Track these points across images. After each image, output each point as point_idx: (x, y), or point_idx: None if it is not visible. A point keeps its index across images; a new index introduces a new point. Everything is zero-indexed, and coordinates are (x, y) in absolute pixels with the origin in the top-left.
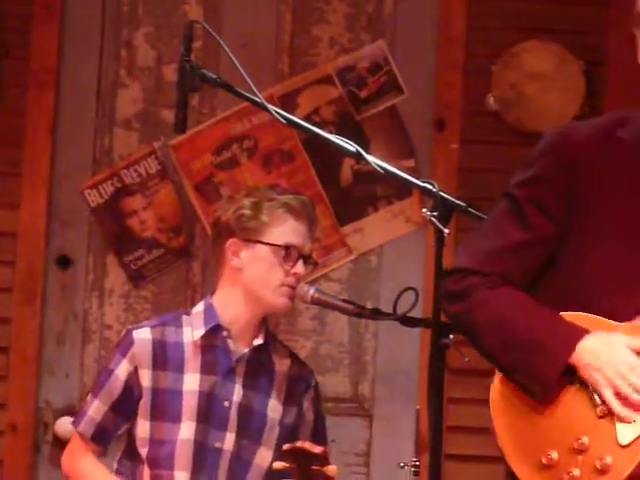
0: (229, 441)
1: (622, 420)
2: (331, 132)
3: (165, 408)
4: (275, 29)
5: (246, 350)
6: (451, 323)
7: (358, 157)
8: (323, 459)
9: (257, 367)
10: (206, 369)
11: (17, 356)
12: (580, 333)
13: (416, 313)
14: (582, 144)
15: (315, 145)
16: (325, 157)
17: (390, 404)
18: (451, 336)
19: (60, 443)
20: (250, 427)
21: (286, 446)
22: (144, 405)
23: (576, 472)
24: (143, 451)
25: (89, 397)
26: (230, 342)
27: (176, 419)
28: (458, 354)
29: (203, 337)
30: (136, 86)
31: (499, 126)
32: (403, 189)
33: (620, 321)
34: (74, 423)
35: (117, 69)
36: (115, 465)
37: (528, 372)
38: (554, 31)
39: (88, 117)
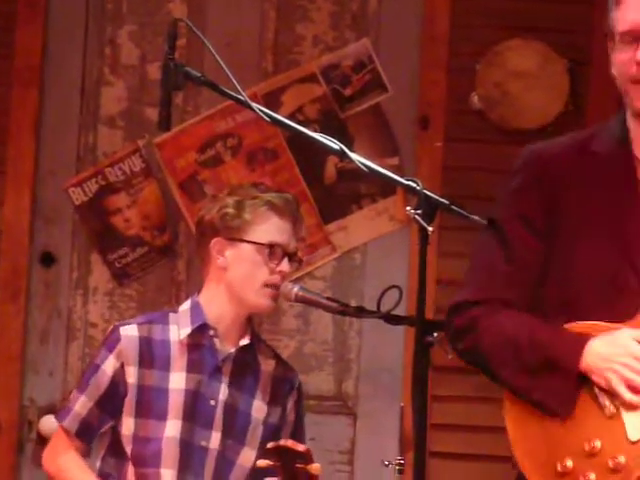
0: (214, 440)
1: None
2: (315, 130)
3: (151, 406)
4: (259, 27)
5: (232, 349)
6: (465, 361)
7: (342, 155)
8: (307, 457)
9: (243, 367)
10: (192, 368)
11: (1, 354)
12: (584, 340)
13: (400, 311)
14: (556, 160)
15: (299, 143)
16: (309, 155)
17: (374, 402)
18: (435, 334)
19: (44, 441)
20: (235, 426)
21: (270, 444)
22: (129, 402)
23: (592, 476)
24: (128, 449)
25: (74, 392)
26: (216, 341)
27: (162, 417)
28: (442, 352)
29: (189, 336)
30: (120, 84)
31: (483, 124)
32: (387, 187)
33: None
34: (58, 418)
35: (101, 67)
36: (99, 463)
37: (544, 390)
38: (538, 30)
39: (72, 115)
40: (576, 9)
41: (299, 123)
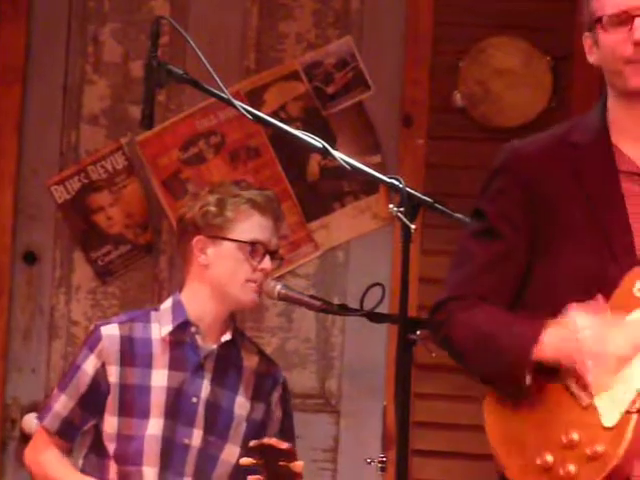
0: (197, 437)
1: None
2: (298, 128)
3: (133, 404)
4: (242, 25)
5: (214, 346)
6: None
7: (325, 153)
8: (290, 455)
9: (225, 363)
10: (174, 365)
11: None
12: (541, 327)
13: (383, 309)
14: (536, 156)
15: (282, 141)
16: (292, 153)
17: (357, 400)
18: (418, 332)
19: (27, 439)
20: (218, 423)
21: (253, 442)
22: (112, 401)
23: (571, 467)
24: (110, 447)
25: (55, 392)
26: (198, 338)
27: (144, 415)
28: (425, 350)
29: (171, 333)
30: (103, 82)
31: (466, 122)
32: (370, 185)
33: None
34: (39, 417)
35: (84, 65)
36: (81, 461)
37: (501, 378)
38: (521, 27)
39: (55, 113)
40: (558, 6)
41: (282, 121)
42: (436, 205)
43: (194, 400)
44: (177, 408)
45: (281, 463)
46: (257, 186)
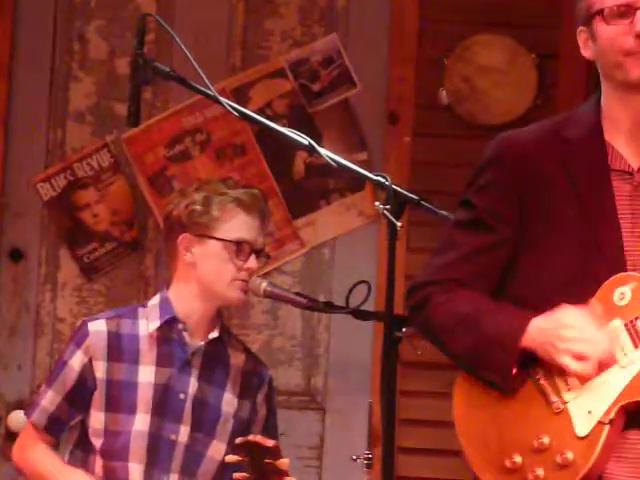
0: (183, 433)
1: (584, 376)
2: (284, 125)
3: (120, 400)
4: (228, 22)
5: (202, 343)
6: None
7: (311, 150)
8: (276, 453)
9: (212, 360)
10: (162, 361)
11: None
12: (527, 317)
13: (369, 306)
14: (529, 149)
15: (268, 138)
16: (278, 150)
17: (343, 397)
18: (404, 329)
19: (13, 437)
20: (204, 420)
21: (239, 440)
22: (99, 396)
23: (540, 472)
24: (96, 442)
25: (43, 387)
26: (186, 335)
27: (131, 411)
28: (411, 347)
29: (159, 329)
30: (89, 79)
31: (451, 119)
32: (356, 182)
33: None
34: (27, 413)
35: (70, 62)
36: (67, 456)
37: (487, 364)
38: (506, 25)
39: (41, 110)
40: (544, 4)
41: (268, 118)
42: (422, 202)
43: (181, 396)
44: (164, 404)
45: (267, 460)
46: (243, 184)
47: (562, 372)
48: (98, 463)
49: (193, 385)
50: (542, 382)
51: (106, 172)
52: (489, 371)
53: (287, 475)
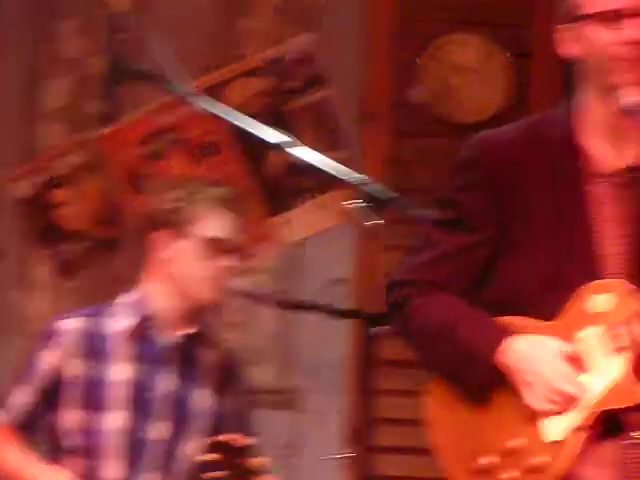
0: (159, 430)
1: (544, 416)
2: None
3: (94, 398)
4: (202, 21)
5: (175, 340)
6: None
7: (285, 149)
8: (249, 451)
9: (187, 357)
10: (136, 358)
11: None
12: (504, 334)
13: (343, 305)
14: (505, 151)
15: (242, 137)
16: (252, 149)
17: (317, 396)
18: (379, 327)
19: None
20: (179, 417)
21: (212, 438)
22: (72, 394)
23: (514, 474)
24: (70, 441)
25: (15, 386)
26: (159, 332)
27: (104, 408)
28: (386, 345)
29: (132, 327)
30: (64, 78)
31: (426, 118)
32: (331, 181)
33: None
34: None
35: (44, 61)
36: (40, 455)
37: (462, 375)
38: (481, 23)
39: (15, 109)
40: (518, 3)
41: (243, 117)
42: (397, 200)
43: (155, 393)
44: (138, 401)
45: (241, 459)
46: (218, 182)
47: None
48: (72, 462)
49: (167, 382)
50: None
51: (81, 171)
52: (465, 382)
53: (261, 473)
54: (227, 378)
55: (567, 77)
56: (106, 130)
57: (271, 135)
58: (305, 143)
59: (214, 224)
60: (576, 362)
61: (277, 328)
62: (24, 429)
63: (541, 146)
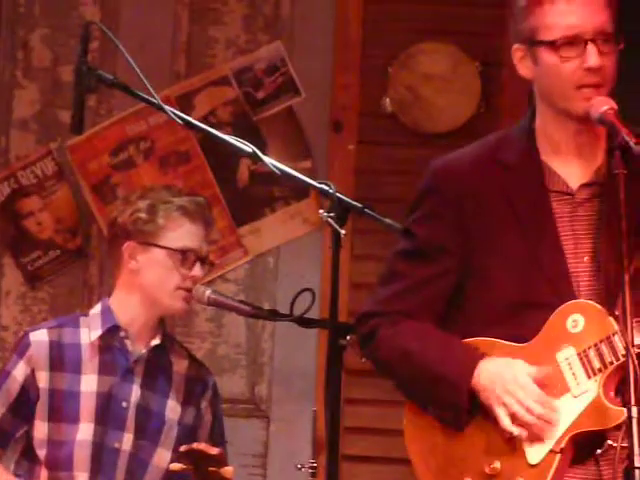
0: (127, 442)
1: (519, 439)
2: (228, 133)
3: (63, 409)
4: (172, 30)
5: (144, 351)
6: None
7: (255, 158)
8: (220, 460)
9: (155, 368)
10: (104, 370)
11: None
12: (476, 358)
13: (313, 314)
14: (466, 175)
15: (212, 146)
16: (222, 158)
17: (287, 405)
18: (348, 337)
19: None
20: (148, 428)
21: (183, 447)
22: (41, 406)
23: None
24: (41, 453)
25: None
26: (128, 343)
27: (74, 420)
28: (355, 355)
29: (100, 338)
30: (33, 87)
31: (396, 127)
32: (300, 190)
33: (524, 340)
34: None
35: (13, 70)
36: (12, 467)
37: (438, 403)
38: (450, 32)
39: None
40: (487, 12)
41: (212, 126)
42: (366, 210)
43: (124, 404)
44: (107, 413)
45: (211, 468)
46: (187, 191)
47: None
48: (43, 474)
49: (136, 393)
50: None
51: (50, 180)
52: (441, 409)
53: None
54: (196, 386)
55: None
56: (76, 139)
57: (240, 144)
58: (274, 152)
59: (184, 234)
60: (547, 385)
61: (247, 337)
62: None
63: (501, 169)
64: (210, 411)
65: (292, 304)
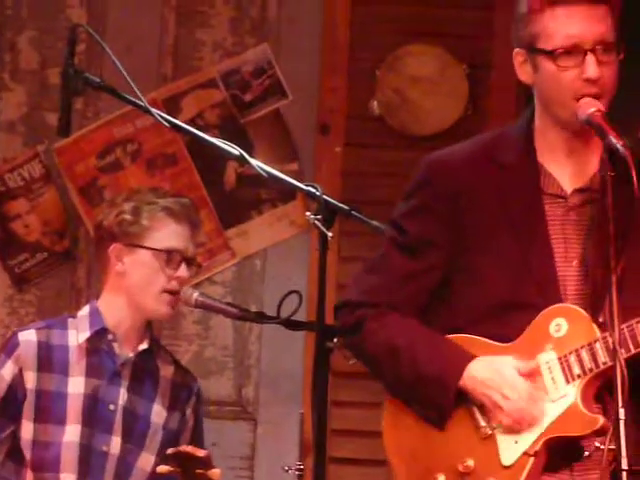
0: (114, 444)
1: (511, 432)
2: (215, 135)
3: (50, 410)
4: (159, 33)
5: (131, 354)
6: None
7: (242, 160)
8: (207, 463)
9: (142, 372)
10: (91, 372)
11: None
12: (466, 359)
13: (300, 316)
14: (460, 171)
15: (199, 148)
16: (209, 160)
17: (274, 408)
18: (335, 339)
19: None
20: (134, 431)
21: (170, 450)
22: (29, 407)
23: None
24: (28, 453)
25: None
26: (115, 345)
27: (61, 421)
28: (342, 357)
29: (88, 340)
30: (20, 90)
31: (383, 130)
32: (287, 193)
33: (508, 339)
34: None
35: (1, 72)
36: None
37: (423, 401)
38: (437, 35)
39: None
40: (476, 14)
41: (199, 128)
42: (352, 212)
43: (112, 407)
44: (94, 415)
45: (198, 471)
46: (173, 193)
47: None
48: (30, 475)
49: (123, 396)
50: (472, 406)
51: (37, 182)
52: (425, 408)
53: None
54: (182, 392)
55: (525, 93)
56: (63, 142)
57: (227, 147)
58: (261, 155)
59: (170, 235)
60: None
61: (234, 340)
62: None
63: (496, 167)
64: (193, 416)
65: (279, 306)
